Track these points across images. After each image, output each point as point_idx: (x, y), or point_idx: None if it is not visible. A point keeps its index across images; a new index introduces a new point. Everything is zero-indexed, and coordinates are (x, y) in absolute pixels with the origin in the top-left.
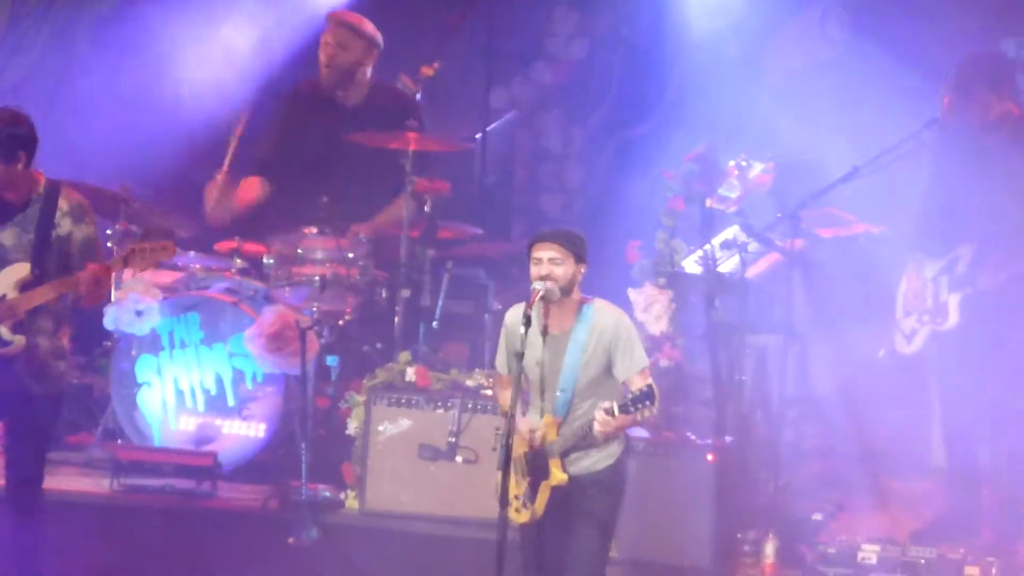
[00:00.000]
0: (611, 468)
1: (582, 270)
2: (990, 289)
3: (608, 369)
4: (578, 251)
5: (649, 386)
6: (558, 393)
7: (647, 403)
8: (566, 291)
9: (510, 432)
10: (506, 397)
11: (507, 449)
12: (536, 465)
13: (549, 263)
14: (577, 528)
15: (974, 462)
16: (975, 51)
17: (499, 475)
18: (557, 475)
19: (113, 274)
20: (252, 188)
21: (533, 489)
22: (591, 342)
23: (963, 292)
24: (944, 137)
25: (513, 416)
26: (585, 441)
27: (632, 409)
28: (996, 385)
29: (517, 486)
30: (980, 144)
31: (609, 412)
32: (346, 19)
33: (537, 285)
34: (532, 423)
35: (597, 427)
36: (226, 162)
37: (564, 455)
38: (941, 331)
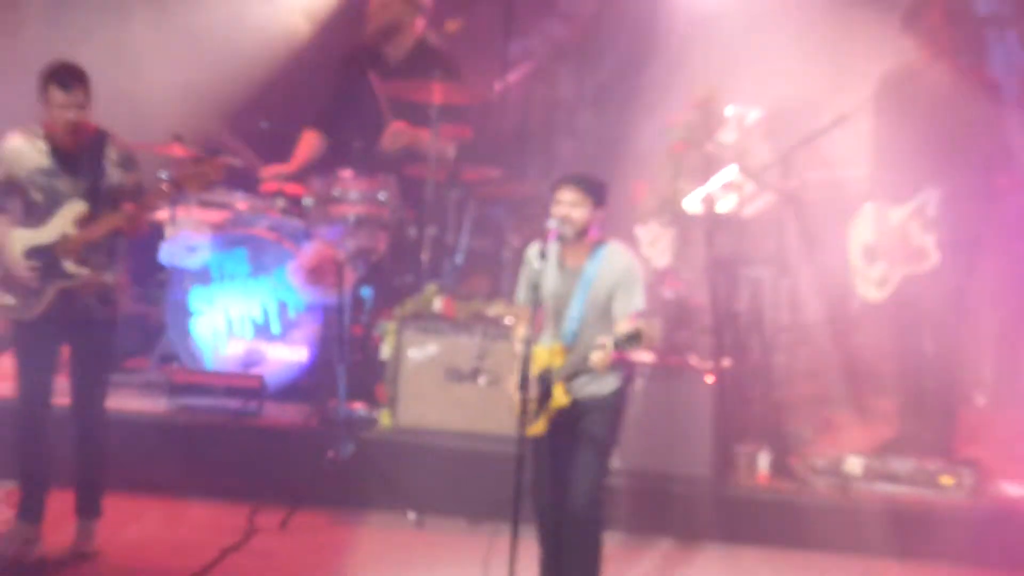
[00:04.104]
0: (612, 394)
1: (599, 214)
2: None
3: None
4: (596, 195)
5: (638, 329)
6: (566, 323)
7: (633, 343)
8: (582, 232)
9: (527, 358)
10: (522, 325)
11: (525, 374)
12: (545, 387)
13: (568, 205)
14: (580, 446)
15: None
16: None
17: (518, 394)
18: (559, 398)
19: (152, 209)
20: (311, 143)
21: (540, 407)
22: (599, 280)
23: (937, 234)
24: (887, 83)
25: (529, 343)
26: (585, 369)
27: (622, 346)
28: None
29: (531, 402)
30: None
31: (603, 347)
32: None
33: (552, 223)
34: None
35: (593, 358)
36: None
37: (567, 380)
38: (921, 273)
